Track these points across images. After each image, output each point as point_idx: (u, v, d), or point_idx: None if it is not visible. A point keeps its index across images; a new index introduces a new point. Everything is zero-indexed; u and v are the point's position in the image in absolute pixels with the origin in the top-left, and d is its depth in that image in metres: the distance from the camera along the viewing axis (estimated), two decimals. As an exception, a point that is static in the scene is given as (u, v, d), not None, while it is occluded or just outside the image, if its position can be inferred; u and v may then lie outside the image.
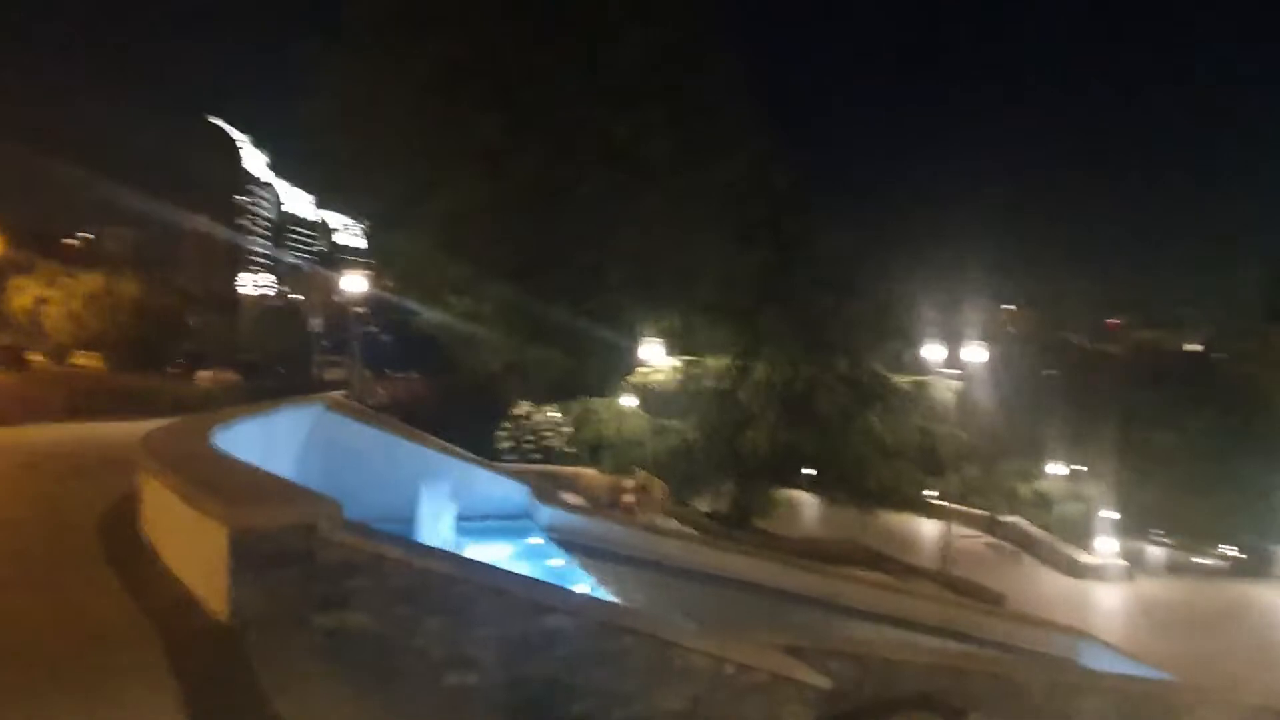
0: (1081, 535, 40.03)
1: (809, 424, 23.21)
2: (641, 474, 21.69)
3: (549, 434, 25.07)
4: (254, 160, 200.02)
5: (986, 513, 38.95)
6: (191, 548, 6.78)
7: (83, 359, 59.25)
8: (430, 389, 34.90)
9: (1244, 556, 45.74)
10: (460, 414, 28.27)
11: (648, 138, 27.15)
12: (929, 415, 25.50)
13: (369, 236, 49.54)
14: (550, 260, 28.82)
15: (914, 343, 26.79)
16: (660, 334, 23.89)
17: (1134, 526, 44.34)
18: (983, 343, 25.83)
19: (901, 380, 25.74)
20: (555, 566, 14.27)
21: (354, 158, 31.19)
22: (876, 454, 24.29)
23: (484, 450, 23.05)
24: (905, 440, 24.47)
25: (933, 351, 26.61)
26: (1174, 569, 42.95)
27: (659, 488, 19.90)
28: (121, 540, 8.64)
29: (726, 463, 24.73)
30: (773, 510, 29.68)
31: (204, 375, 45.23)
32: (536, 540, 15.87)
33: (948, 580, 24.88)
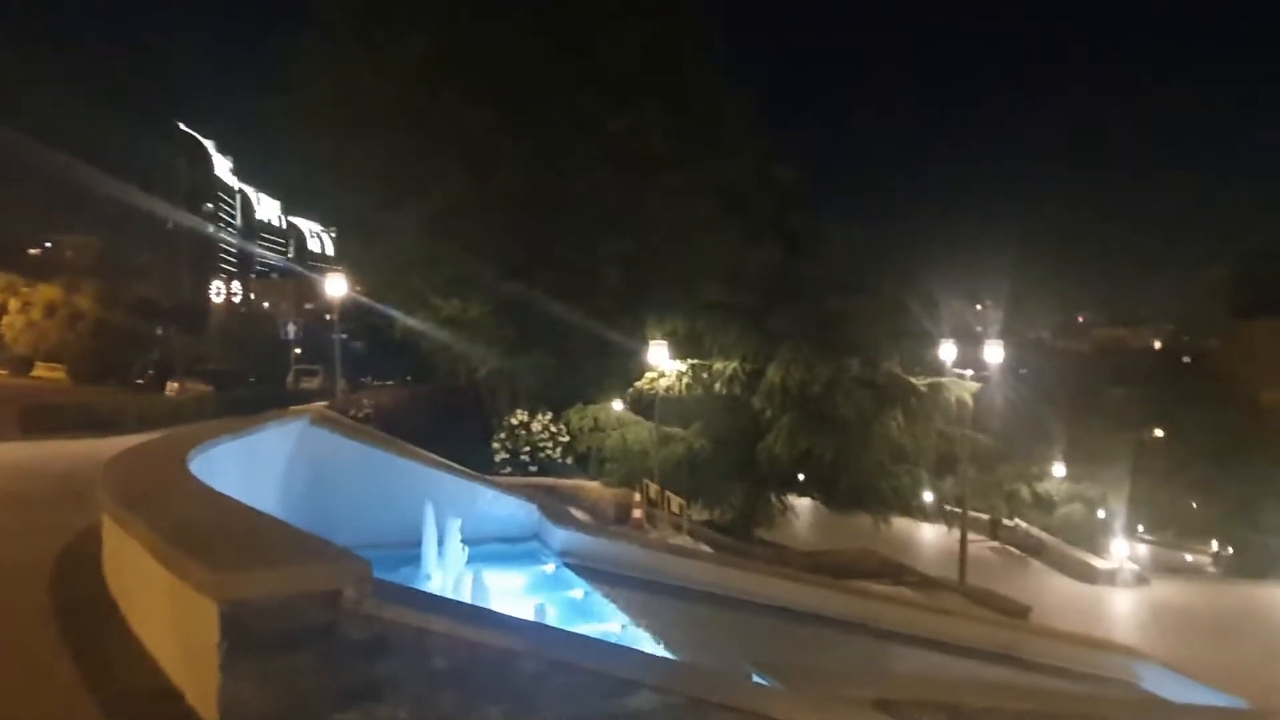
0: (1086, 538, 39.22)
1: (828, 429, 21.95)
2: (653, 487, 20.26)
3: (546, 444, 23.52)
4: (222, 166, 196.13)
5: (987, 516, 37.98)
6: (169, 620, 5.26)
7: (44, 371, 57.01)
8: (412, 398, 33.24)
9: (1242, 556, 45.23)
10: (447, 424, 26.71)
11: (645, 132, 25.78)
12: (948, 418, 24.33)
13: (339, 242, 47.86)
14: (542, 261, 27.36)
15: (930, 342, 25.64)
16: (664, 337, 22.48)
17: (1132, 528, 43.71)
18: (1000, 341, 24.75)
19: (919, 381, 24.56)
20: (575, 599, 12.82)
21: (331, 155, 29.55)
22: (893, 459, 23.09)
23: (476, 463, 21.51)
24: (924, 444, 23.30)
25: (945, 351, 25.46)
26: (1176, 570, 42.29)
27: (675, 502, 18.52)
28: (79, 598, 7.08)
29: (736, 471, 23.37)
30: (775, 518, 28.39)
31: (172, 386, 43.08)
32: (549, 567, 14.41)
33: (970, 592, 23.76)
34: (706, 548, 18.43)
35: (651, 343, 22.21)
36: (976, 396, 23.72)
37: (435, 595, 5.89)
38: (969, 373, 25.82)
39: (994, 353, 23.81)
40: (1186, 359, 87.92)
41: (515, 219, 27.12)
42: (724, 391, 23.25)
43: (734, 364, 23.15)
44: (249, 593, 4.45)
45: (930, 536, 37.46)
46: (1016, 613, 22.76)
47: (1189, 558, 49.63)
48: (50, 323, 56.51)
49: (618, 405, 26.11)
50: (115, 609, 6.41)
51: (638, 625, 11.71)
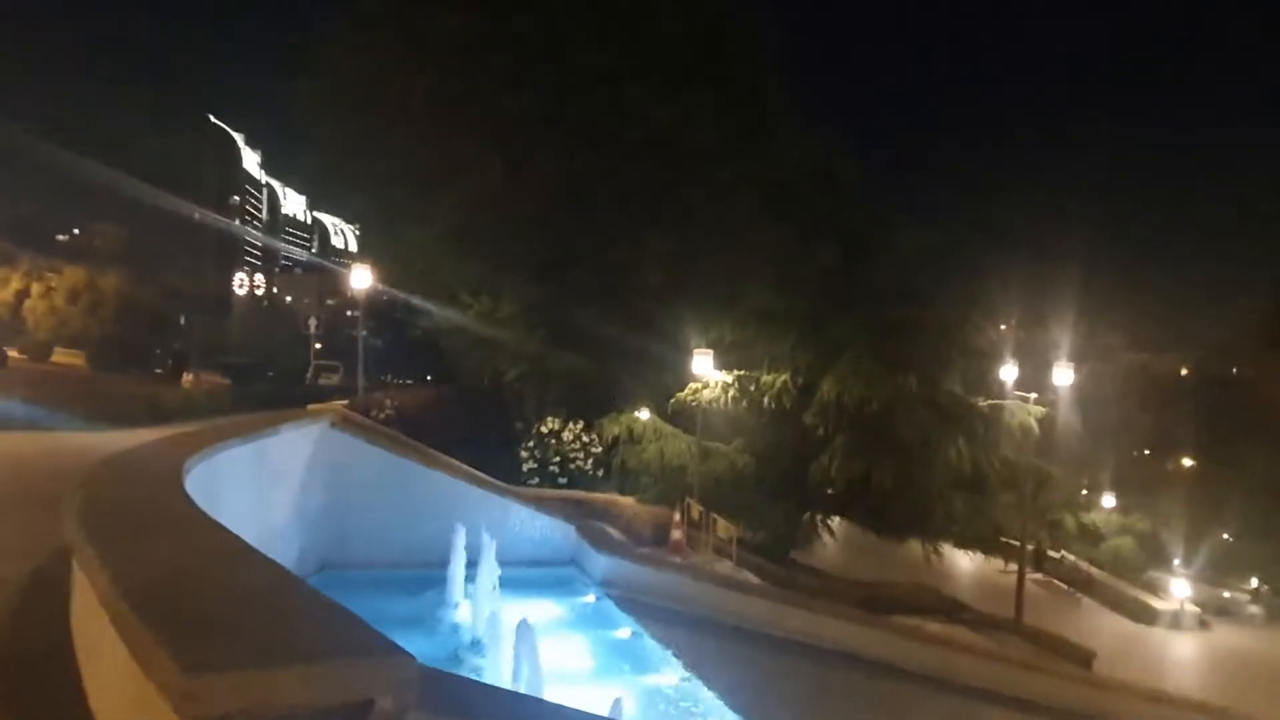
0: (1134, 573, 37.30)
1: (887, 451, 20.32)
2: (696, 507, 18.72)
3: (577, 455, 22.02)
4: (251, 160, 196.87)
5: (1031, 547, 36.08)
6: (131, 713, 3.79)
7: (64, 357, 56.31)
8: (436, 399, 31.89)
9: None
10: (471, 428, 25.24)
11: (692, 124, 24.29)
12: (1012, 443, 22.64)
13: (364, 235, 46.68)
14: (578, 259, 25.92)
15: (995, 361, 23.96)
16: (710, 344, 20.94)
17: (1181, 563, 41.62)
18: (1069, 364, 23.07)
19: (982, 403, 22.88)
20: (622, 640, 11.29)
21: (361, 144, 28.29)
22: (953, 486, 21.42)
23: (501, 471, 20.10)
24: (987, 471, 21.62)
25: (1007, 372, 23.81)
26: (1221, 609, 40.12)
27: (722, 526, 16.99)
28: (35, 650, 5.66)
29: (780, 491, 21.76)
30: (812, 541, 26.73)
31: (187, 378, 42.05)
32: (590, 598, 12.90)
33: (1030, 634, 22.09)
34: (752, 576, 16.87)
35: (696, 351, 20.68)
36: (1064, 422, 22.04)
37: (499, 693, 4.39)
38: (1033, 396, 24.15)
39: (1063, 376, 22.15)
40: (1220, 387, 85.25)
41: (551, 213, 25.72)
42: (772, 406, 21.69)
43: (784, 376, 21.58)
44: (232, 704, 2.96)
45: (968, 565, 35.67)
46: (1081, 659, 21.09)
47: (1226, 594, 47.43)
48: (72, 309, 55.85)
49: (644, 414, 24.60)
50: (75, 672, 4.97)
51: (697, 678, 10.19)
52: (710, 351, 20.54)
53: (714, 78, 25.06)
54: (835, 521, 26.99)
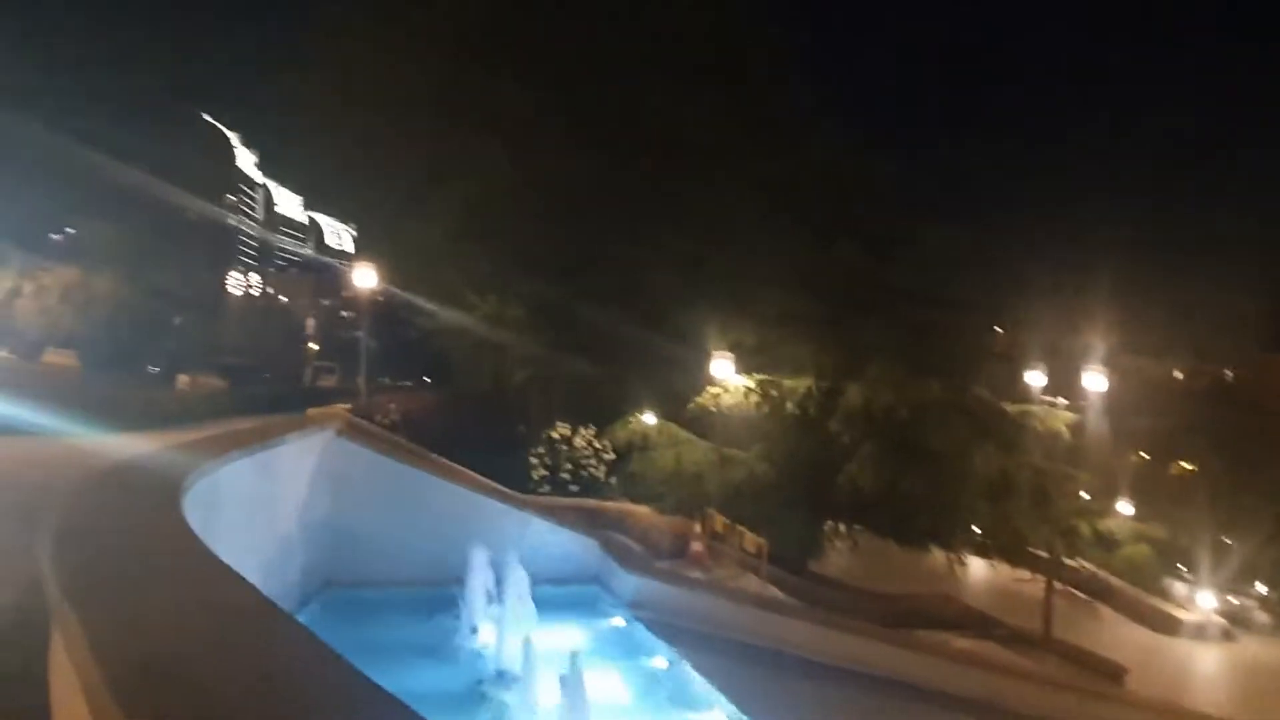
0: (1151, 581, 36.46)
1: (916, 460, 19.49)
2: (718, 518, 17.86)
3: (590, 462, 21.15)
4: (246, 160, 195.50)
5: (1046, 554, 35.23)
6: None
7: (56, 357, 55.28)
8: (439, 403, 31.01)
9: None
10: (475, 433, 24.32)
11: (706, 120, 23.48)
12: (1040, 449, 21.85)
13: (363, 234, 45.76)
14: (587, 259, 25.09)
15: (1026, 365, 23.17)
16: (729, 348, 20.09)
17: (1195, 571, 40.83)
18: (1100, 369, 22.31)
19: (1012, 409, 22.07)
20: (658, 670, 10.40)
21: (362, 138, 27.44)
22: (980, 493, 20.61)
23: (509, 478, 19.24)
24: (1017, 479, 20.82)
25: (1034, 376, 23.02)
26: (1241, 621, 39.31)
27: (748, 539, 16.14)
28: (4, 707, 4.78)
29: (801, 500, 20.90)
30: (828, 551, 25.89)
31: (183, 380, 41.02)
32: (618, 621, 12.00)
33: (1061, 649, 21.29)
34: (779, 592, 16.01)
35: (715, 354, 19.83)
36: (1094, 428, 21.28)
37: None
38: (1062, 401, 23.36)
39: (1094, 381, 21.36)
40: (1217, 392, 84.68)
41: (558, 211, 24.88)
42: (795, 411, 20.84)
43: (808, 381, 20.74)
44: None
45: (983, 573, 34.85)
46: (1112, 675, 20.30)
47: (1235, 601, 46.68)
48: (64, 308, 54.94)
49: (650, 418, 23.76)
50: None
51: (744, 715, 9.32)
52: (730, 355, 19.70)
53: (730, 73, 24.25)
54: (853, 530, 26.12)
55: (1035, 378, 23.21)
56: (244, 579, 4.35)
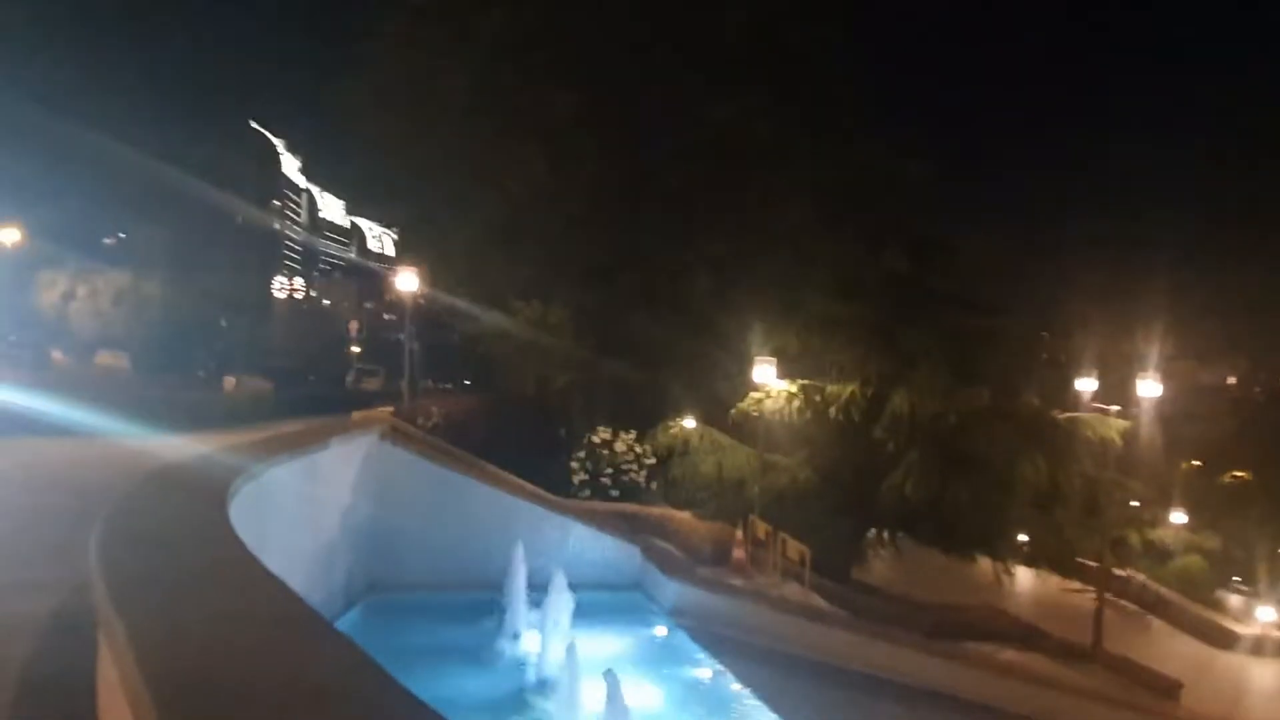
0: (1205, 593, 35.38)
1: (963, 469, 19.08)
2: (761, 525, 17.62)
3: (630, 466, 21.01)
4: (290, 165, 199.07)
5: (1096, 565, 34.35)
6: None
7: (108, 359, 56.62)
8: (480, 406, 31.12)
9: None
10: (516, 437, 24.31)
11: (747, 123, 23.26)
12: (1091, 458, 21.28)
13: (404, 238, 46.17)
14: (628, 263, 25.02)
15: (1078, 372, 22.60)
16: (772, 353, 19.85)
17: (1248, 582, 39.56)
18: (1155, 375, 21.67)
19: (1062, 416, 21.53)
20: (702, 680, 10.26)
21: (405, 142, 27.66)
22: (1029, 503, 20.12)
23: (549, 482, 19.20)
24: (1067, 488, 20.30)
25: (1085, 384, 22.42)
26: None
27: (793, 547, 15.90)
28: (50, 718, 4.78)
29: (843, 507, 20.56)
30: (868, 559, 25.45)
31: (230, 381, 41.69)
32: (660, 630, 11.88)
33: (1113, 663, 20.68)
34: (822, 601, 15.73)
35: (757, 359, 19.61)
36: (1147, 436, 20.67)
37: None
38: (1114, 409, 22.73)
39: (1149, 388, 20.76)
40: (1271, 397, 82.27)
41: (600, 215, 24.85)
42: (839, 417, 20.54)
43: (852, 387, 20.43)
44: None
45: (1029, 583, 34.11)
46: (1167, 690, 19.65)
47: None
48: (116, 310, 56.26)
49: (690, 423, 23.59)
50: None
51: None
52: (773, 360, 19.46)
53: (771, 76, 24.01)
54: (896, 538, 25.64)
55: (1086, 384, 22.61)
56: (288, 588, 4.30)
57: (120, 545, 4.75)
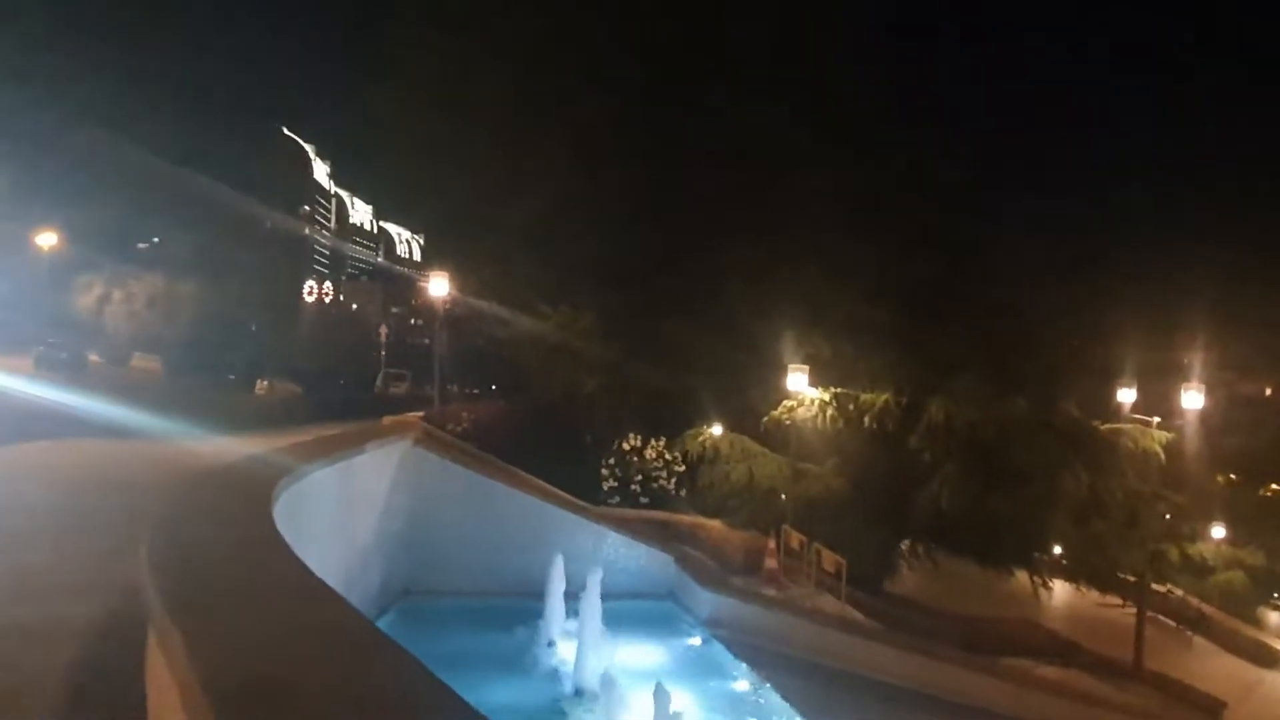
0: (1246, 610, 34.59)
1: (1002, 480, 18.73)
2: (795, 535, 17.43)
3: (660, 473, 20.89)
4: (320, 171, 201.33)
5: (1133, 579, 33.63)
6: None
7: (142, 361, 57.43)
8: (509, 412, 31.15)
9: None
10: (546, 442, 24.23)
11: (781, 126, 23.10)
12: (1133, 470, 20.84)
13: (429, 244, 46.43)
14: (658, 268, 24.89)
15: (1118, 382, 22.16)
16: (805, 360, 19.64)
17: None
18: (1199, 386, 21.20)
19: (1103, 427, 21.11)
20: (740, 693, 10.09)
21: (434, 146, 27.77)
22: (1069, 515, 19.71)
23: (577, 488, 19.10)
24: (1108, 500, 19.87)
25: (1126, 394, 21.98)
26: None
27: (828, 559, 15.68)
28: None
29: (878, 517, 20.27)
30: (901, 571, 25.09)
31: (262, 385, 42.12)
32: (695, 640, 11.72)
33: (1156, 681, 20.23)
34: (857, 613, 15.50)
35: (790, 367, 19.42)
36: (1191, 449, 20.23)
37: None
38: (1156, 420, 22.27)
39: (1193, 399, 20.30)
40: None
41: (630, 221, 24.77)
42: (873, 426, 20.27)
43: (886, 395, 20.15)
44: None
45: (1064, 597, 33.50)
46: (1210, 709, 19.19)
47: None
48: (151, 314, 56.94)
49: (717, 429, 23.40)
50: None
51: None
52: (806, 367, 19.25)
53: (801, 79, 23.85)
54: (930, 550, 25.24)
55: (1126, 394, 22.15)
56: (339, 595, 4.23)
57: (170, 550, 4.70)
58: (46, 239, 46.29)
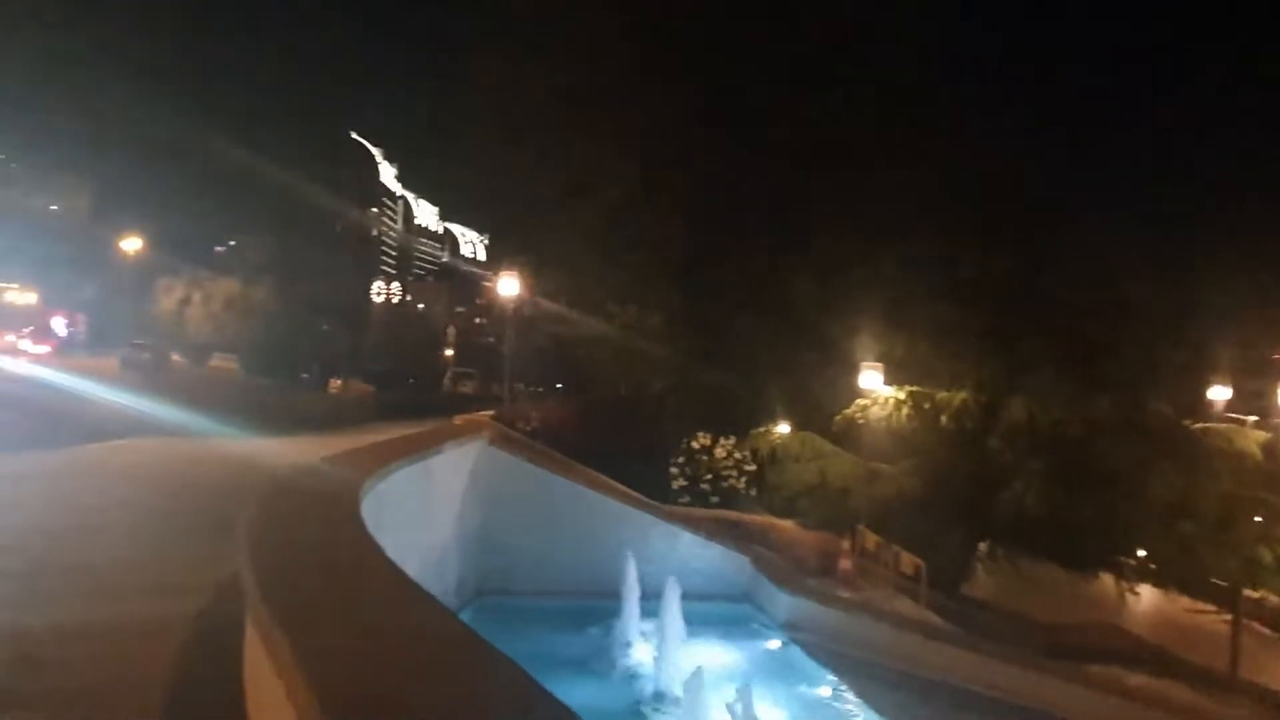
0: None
1: (1089, 481, 18.06)
2: (871, 536, 17.09)
3: (730, 472, 20.69)
4: (387, 173, 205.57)
5: (1226, 584, 32.11)
6: None
7: (220, 361, 59.35)
8: (577, 411, 31.29)
9: None
10: (614, 441, 24.20)
11: (854, 121, 22.65)
12: (1230, 471, 19.89)
13: (497, 245, 46.86)
14: (725, 268, 24.70)
15: (1210, 380, 21.19)
16: (877, 358, 19.23)
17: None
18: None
19: (1194, 427, 20.22)
20: (822, 699, 9.87)
21: (497, 149, 27.98)
22: (1159, 519, 18.88)
23: (646, 488, 19.01)
24: (1200, 503, 19.00)
25: (1219, 392, 20.98)
26: None
27: (907, 561, 15.32)
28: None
29: (955, 519, 19.73)
30: (974, 574, 24.40)
31: (334, 384, 43.15)
32: (773, 644, 11.52)
33: (1259, 693, 19.26)
34: (936, 617, 15.08)
35: (864, 365, 19.02)
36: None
37: None
38: (1252, 419, 21.21)
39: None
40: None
41: (699, 219, 24.59)
42: (950, 425, 19.73)
43: (964, 394, 19.59)
44: None
45: (1149, 603, 32.16)
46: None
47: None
48: (228, 315, 58.75)
49: (784, 428, 23.06)
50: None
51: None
52: (880, 366, 18.84)
53: (876, 72, 23.34)
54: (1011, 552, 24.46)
55: (1220, 392, 21.13)
56: (440, 602, 4.20)
57: (265, 553, 4.72)
58: (131, 244, 48.16)
